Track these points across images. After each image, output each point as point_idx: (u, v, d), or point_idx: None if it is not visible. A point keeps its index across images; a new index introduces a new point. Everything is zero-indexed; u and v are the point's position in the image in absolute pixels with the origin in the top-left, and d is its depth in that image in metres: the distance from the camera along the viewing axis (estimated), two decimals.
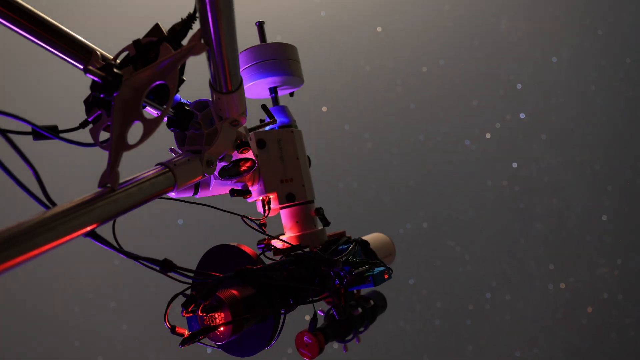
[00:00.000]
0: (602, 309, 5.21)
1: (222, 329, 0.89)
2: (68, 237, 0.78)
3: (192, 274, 0.94)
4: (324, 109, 5.89)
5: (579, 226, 5.32)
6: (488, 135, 5.61)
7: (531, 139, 5.48)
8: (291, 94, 1.35)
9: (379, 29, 5.71)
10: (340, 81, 5.82)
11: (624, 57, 4.95)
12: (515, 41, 5.30)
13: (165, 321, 0.91)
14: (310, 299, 1.12)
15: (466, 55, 5.52)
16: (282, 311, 1.00)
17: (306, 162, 1.30)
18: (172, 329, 0.90)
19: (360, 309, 1.23)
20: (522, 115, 5.46)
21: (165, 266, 0.91)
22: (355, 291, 1.27)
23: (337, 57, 5.78)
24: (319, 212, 1.27)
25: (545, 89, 5.35)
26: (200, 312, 0.90)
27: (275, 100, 1.29)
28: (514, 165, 5.52)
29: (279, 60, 1.23)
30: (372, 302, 1.29)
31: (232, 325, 0.87)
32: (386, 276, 1.19)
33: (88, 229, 0.84)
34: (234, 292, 0.92)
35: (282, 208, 1.27)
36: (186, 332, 0.89)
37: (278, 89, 1.30)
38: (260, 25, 1.28)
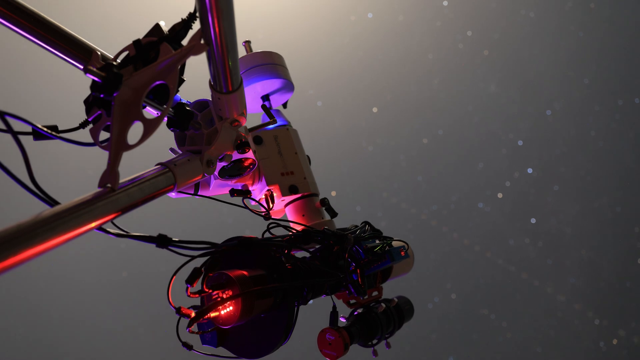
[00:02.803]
0: None
1: (231, 308, 0.81)
2: (68, 237, 0.77)
3: (191, 245, 0.90)
4: (333, 193, 5.93)
5: (615, 273, 5.04)
6: (500, 195, 5.57)
7: (544, 192, 5.42)
8: (284, 105, 1.37)
9: (374, 109, 5.95)
10: (345, 163, 5.94)
11: (616, 100, 5.07)
12: (508, 101, 5.48)
13: (168, 300, 0.84)
14: (327, 291, 1.04)
15: (463, 122, 5.68)
16: (295, 303, 0.92)
17: (305, 158, 1.29)
18: (178, 310, 0.82)
19: (383, 305, 1.13)
20: (529, 170, 5.45)
21: (162, 241, 0.87)
22: (376, 292, 1.18)
23: (339, 142, 5.96)
24: (325, 202, 1.24)
25: (547, 142, 5.41)
26: (207, 288, 0.84)
27: (268, 107, 1.30)
28: (533, 221, 5.40)
29: (266, 65, 1.27)
30: (395, 300, 1.20)
31: (241, 305, 0.80)
32: (403, 253, 1.11)
33: (88, 228, 0.82)
34: (243, 272, 0.86)
35: (286, 205, 1.24)
36: (192, 313, 0.81)
37: (270, 97, 1.32)
38: (247, 43, 1.34)
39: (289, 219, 1.25)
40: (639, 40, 5.00)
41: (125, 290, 4.94)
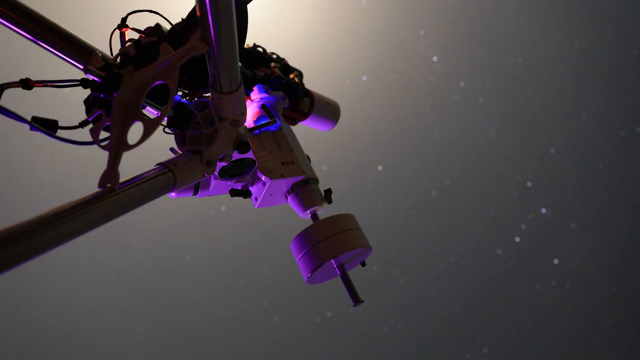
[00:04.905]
0: None
1: None
2: (68, 237, 0.78)
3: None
4: None
5: None
6: (517, 239, 5.43)
7: (562, 231, 5.29)
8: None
9: (379, 167, 6.00)
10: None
11: (617, 131, 5.10)
12: (510, 144, 5.52)
13: None
14: None
15: (469, 170, 5.69)
16: None
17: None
18: None
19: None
20: (543, 210, 5.36)
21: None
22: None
23: (348, 203, 5.93)
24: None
25: (556, 180, 5.37)
26: None
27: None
28: (555, 261, 5.22)
29: None
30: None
31: None
32: None
33: (88, 228, 0.82)
34: None
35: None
36: None
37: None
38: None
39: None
40: (628, 71, 5.12)
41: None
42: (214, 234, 5.23)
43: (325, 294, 5.37)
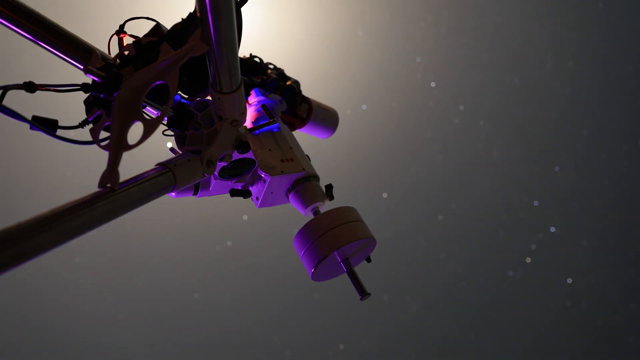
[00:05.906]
0: None
1: None
2: (68, 237, 0.78)
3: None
4: None
5: None
6: (529, 260, 5.35)
7: (574, 250, 5.20)
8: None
9: (384, 195, 5.99)
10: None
11: (620, 145, 5.10)
12: (514, 165, 5.52)
13: None
14: None
15: (474, 192, 5.67)
16: None
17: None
18: None
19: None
20: (552, 229, 5.30)
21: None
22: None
23: None
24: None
25: (563, 198, 5.34)
26: None
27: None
28: (569, 281, 5.11)
29: None
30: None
31: None
32: None
33: (88, 228, 0.81)
34: None
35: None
36: None
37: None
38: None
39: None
40: (624, 86, 5.17)
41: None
42: (221, 270, 5.18)
43: (337, 326, 5.26)
